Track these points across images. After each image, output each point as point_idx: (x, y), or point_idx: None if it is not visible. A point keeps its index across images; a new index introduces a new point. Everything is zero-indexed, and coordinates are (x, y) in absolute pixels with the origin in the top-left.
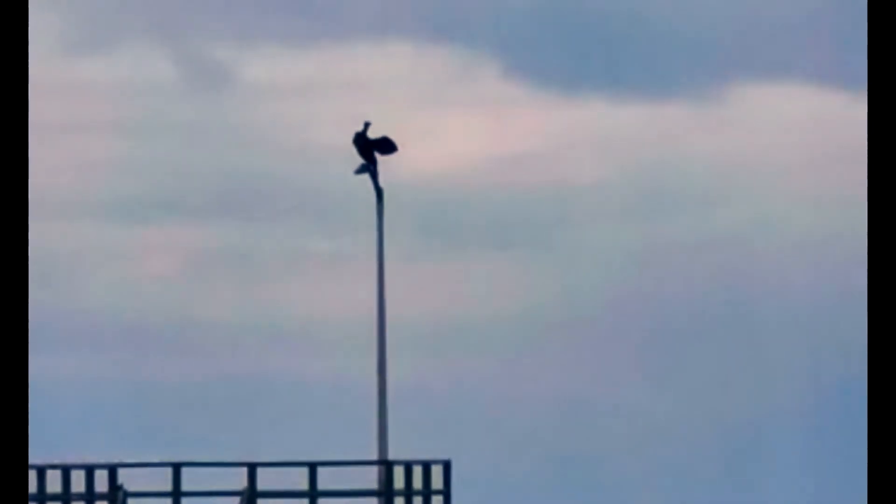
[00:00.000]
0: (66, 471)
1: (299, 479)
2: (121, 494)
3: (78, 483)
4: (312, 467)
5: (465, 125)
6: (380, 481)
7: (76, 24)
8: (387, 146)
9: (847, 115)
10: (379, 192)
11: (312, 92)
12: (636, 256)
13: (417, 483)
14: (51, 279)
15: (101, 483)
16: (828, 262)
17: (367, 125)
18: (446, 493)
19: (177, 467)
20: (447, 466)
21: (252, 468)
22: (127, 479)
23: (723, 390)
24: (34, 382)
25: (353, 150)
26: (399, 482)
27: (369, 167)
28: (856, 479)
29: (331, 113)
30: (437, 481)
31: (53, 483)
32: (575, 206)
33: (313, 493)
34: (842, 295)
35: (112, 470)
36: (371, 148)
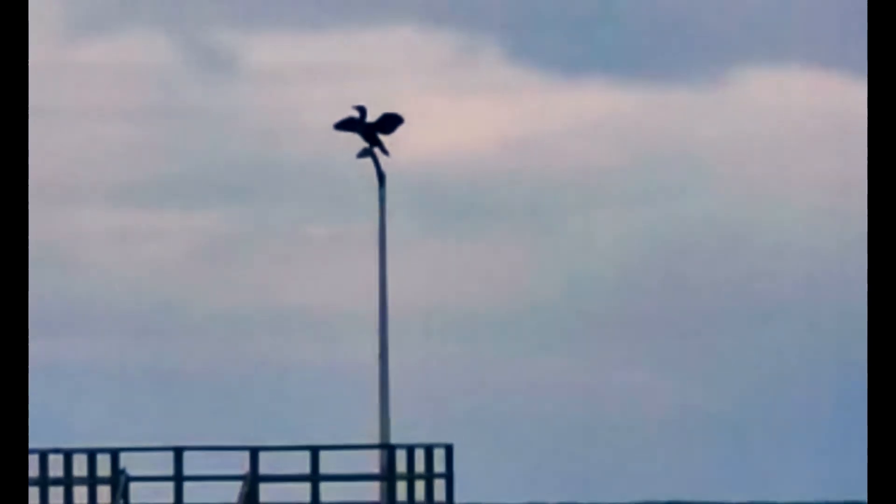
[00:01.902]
0: (67, 455)
1: (301, 463)
2: (123, 479)
3: (80, 467)
4: (314, 451)
5: (469, 109)
6: (382, 465)
7: (79, 7)
8: (391, 122)
9: (849, 98)
10: (381, 177)
11: (315, 76)
12: (640, 240)
13: (420, 467)
14: (52, 264)
15: (104, 467)
16: (829, 246)
17: (362, 110)
18: (449, 476)
19: (179, 451)
20: (449, 450)
21: (254, 452)
22: (129, 463)
23: (726, 376)
24: (36, 367)
25: (356, 135)
26: (401, 466)
27: (371, 151)
28: (857, 468)
29: (333, 97)
30: (439, 465)
31: (55, 467)
32: (579, 191)
33: (315, 476)
34: (843, 277)
35: (114, 454)
36: (373, 131)
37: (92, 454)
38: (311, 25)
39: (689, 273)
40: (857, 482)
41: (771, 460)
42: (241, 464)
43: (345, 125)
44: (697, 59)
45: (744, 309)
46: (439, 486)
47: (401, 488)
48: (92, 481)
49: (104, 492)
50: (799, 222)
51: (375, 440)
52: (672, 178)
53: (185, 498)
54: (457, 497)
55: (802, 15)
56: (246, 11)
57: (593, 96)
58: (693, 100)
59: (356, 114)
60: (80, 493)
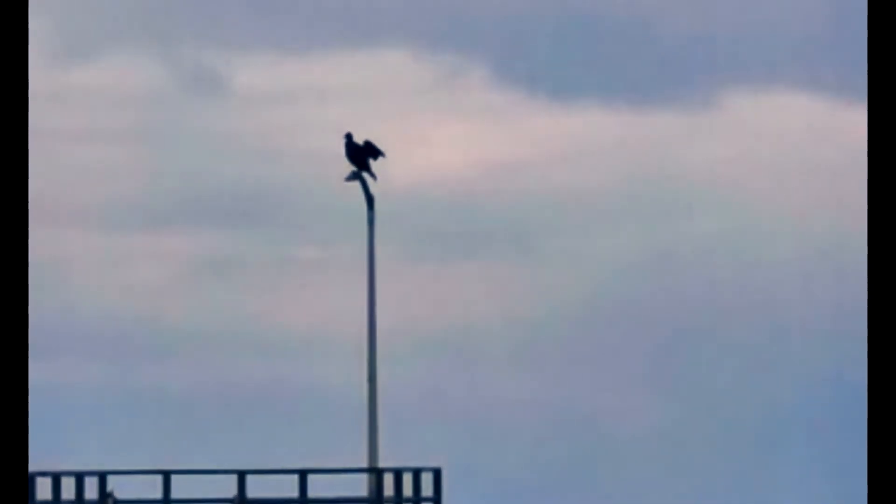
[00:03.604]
0: (56, 478)
1: (289, 487)
2: (110, 502)
3: (68, 490)
4: (303, 474)
5: (457, 132)
6: (370, 489)
7: (70, 30)
8: (372, 152)
9: (839, 121)
10: (370, 200)
11: (304, 99)
12: (626, 264)
13: (408, 491)
14: (41, 286)
15: (91, 490)
16: (821, 270)
17: (349, 137)
18: (436, 500)
19: (167, 474)
20: (437, 474)
21: (242, 475)
22: (117, 486)
23: (719, 395)
24: None
25: (345, 158)
26: (389, 490)
27: (360, 175)
28: (857, 481)
29: (321, 120)
30: (427, 489)
31: (43, 490)
32: (566, 214)
33: (303, 500)
34: (837, 303)
35: (102, 477)
36: (363, 155)
37: (80, 477)
38: (300, 48)
39: (680, 294)
40: (857, 499)
41: (769, 476)
42: (229, 486)
43: (347, 152)
44: (687, 81)
45: (735, 329)
46: None
47: None
48: None
49: None
50: (792, 243)
51: (364, 463)
52: (661, 200)
53: None
54: None
55: (793, 38)
56: (236, 34)
57: (582, 119)
58: (682, 122)
59: (344, 142)
60: None
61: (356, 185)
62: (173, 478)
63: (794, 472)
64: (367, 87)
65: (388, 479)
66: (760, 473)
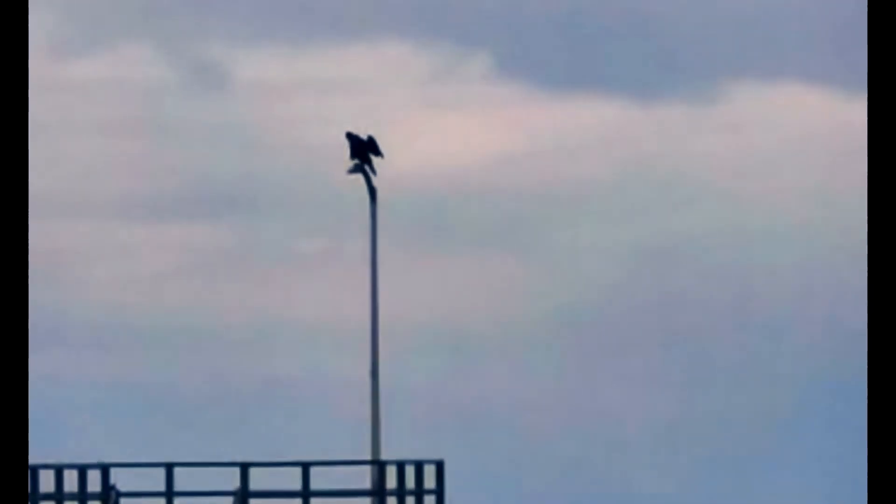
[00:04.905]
0: (58, 471)
1: (292, 479)
2: (113, 494)
3: (71, 483)
4: (305, 467)
5: (458, 124)
6: (373, 481)
7: (71, 23)
8: (373, 148)
9: (843, 113)
10: (372, 192)
11: (306, 91)
12: (629, 256)
13: (410, 483)
14: (44, 278)
15: (94, 483)
16: (823, 266)
17: (351, 136)
18: (439, 493)
19: (169, 467)
20: (440, 466)
21: (245, 468)
22: (119, 479)
23: (717, 391)
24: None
25: (347, 150)
26: (392, 482)
27: (362, 167)
28: (856, 481)
29: (324, 112)
30: (429, 481)
31: (46, 483)
32: (569, 206)
33: (306, 492)
34: (838, 294)
35: (105, 470)
36: (365, 150)
37: (83, 470)
38: (301, 40)
39: (679, 288)
40: (857, 499)
41: (769, 475)
42: (232, 479)
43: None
44: (688, 74)
45: (735, 324)
46: (430, 501)
47: None
48: (83, 497)
49: None
50: (791, 237)
51: (366, 456)
52: (661, 193)
53: None
54: None
55: (794, 30)
56: (237, 27)
57: (582, 111)
58: (683, 115)
59: (347, 143)
60: None
61: (359, 178)
62: (176, 470)
63: (794, 472)
64: (367, 79)
65: (391, 472)
66: (760, 472)
